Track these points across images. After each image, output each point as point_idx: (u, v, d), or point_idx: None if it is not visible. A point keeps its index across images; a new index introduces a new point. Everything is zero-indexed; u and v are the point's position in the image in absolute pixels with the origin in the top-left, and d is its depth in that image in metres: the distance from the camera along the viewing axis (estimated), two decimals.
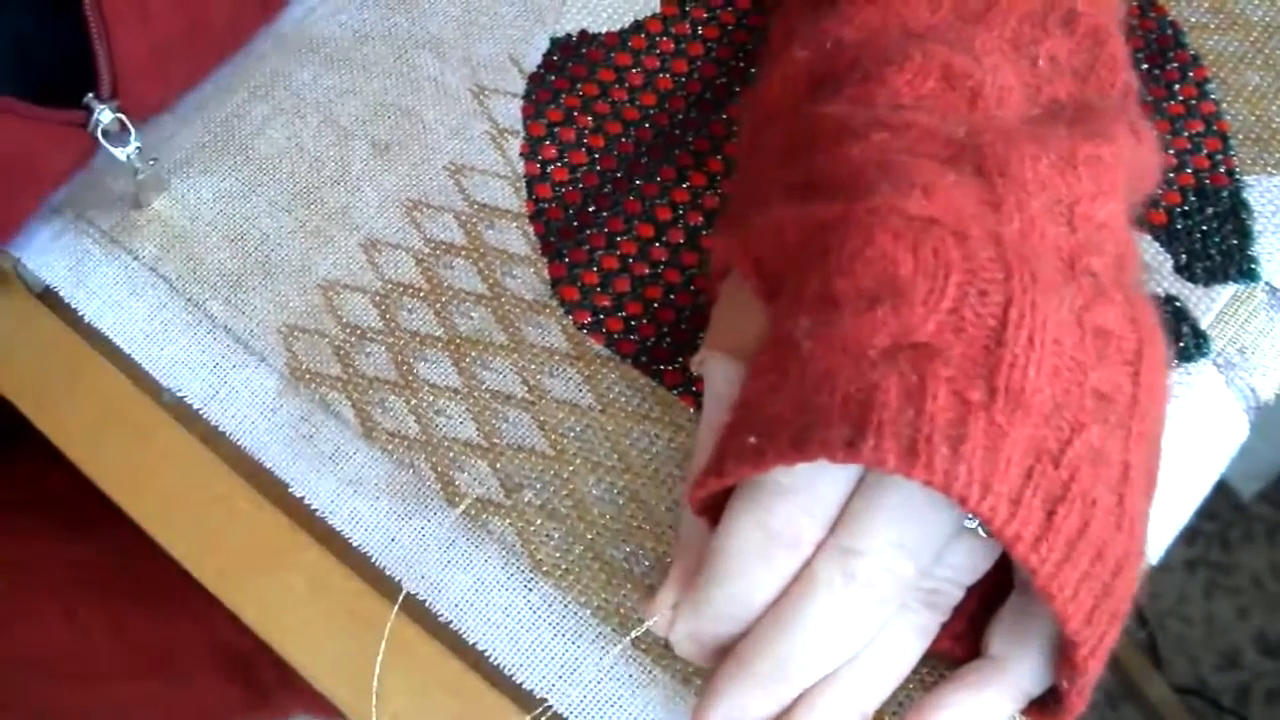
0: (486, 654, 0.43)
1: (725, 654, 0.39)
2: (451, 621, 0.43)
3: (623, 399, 0.46)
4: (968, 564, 0.38)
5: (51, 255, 0.49)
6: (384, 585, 0.44)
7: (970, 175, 0.37)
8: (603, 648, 0.42)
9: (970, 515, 0.37)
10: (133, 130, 0.47)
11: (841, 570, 0.36)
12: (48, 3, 0.46)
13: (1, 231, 0.48)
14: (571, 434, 0.45)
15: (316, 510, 0.45)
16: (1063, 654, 0.37)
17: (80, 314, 0.48)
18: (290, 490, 0.45)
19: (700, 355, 0.43)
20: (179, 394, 0.47)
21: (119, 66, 0.45)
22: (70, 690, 0.60)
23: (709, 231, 0.49)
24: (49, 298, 0.49)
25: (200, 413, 0.47)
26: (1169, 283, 0.47)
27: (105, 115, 0.46)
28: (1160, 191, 0.48)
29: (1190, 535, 1.29)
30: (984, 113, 0.40)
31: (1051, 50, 0.42)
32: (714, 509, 0.38)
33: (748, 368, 0.38)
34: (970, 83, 0.40)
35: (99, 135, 0.46)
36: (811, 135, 0.40)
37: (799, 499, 0.36)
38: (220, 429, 0.46)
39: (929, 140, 0.38)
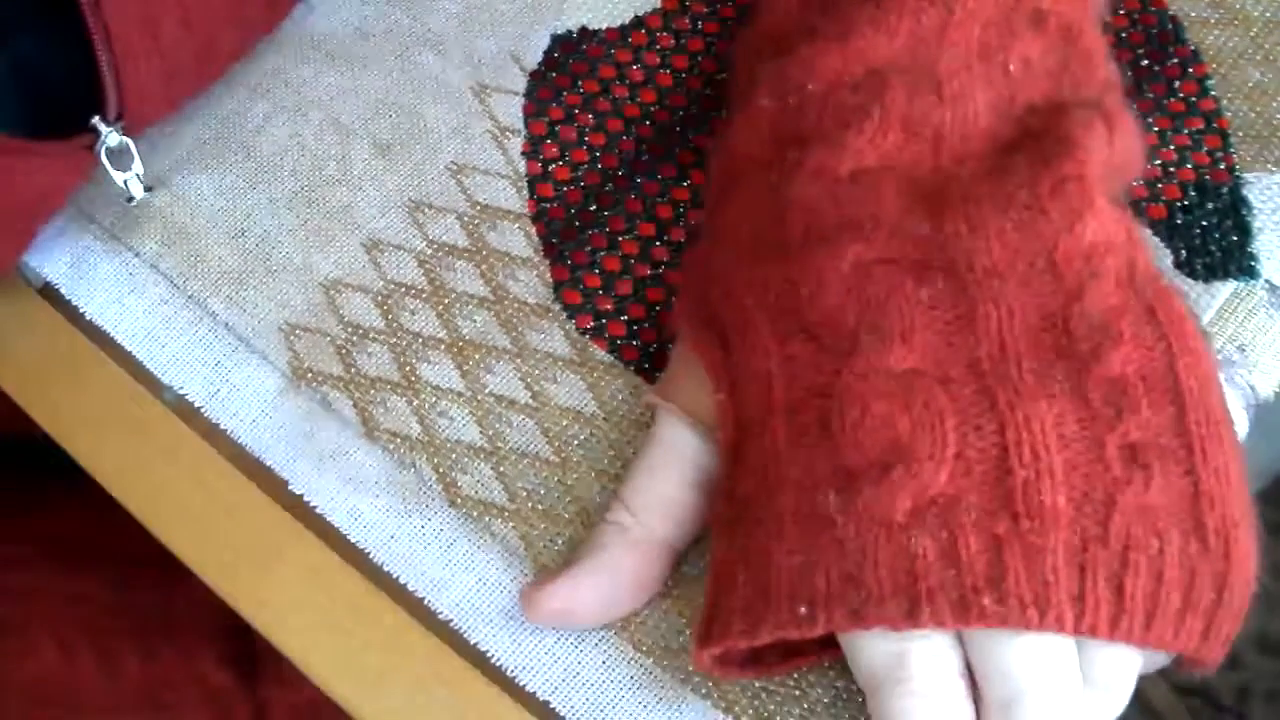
0: (488, 655, 0.43)
1: None
2: (452, 621, 0.43)
3: (625, 407, 0.46)
4: (1115, 674, 0.38)
5: (52, 251, 0.49)
6: (384, 583, 0.44)
7: (942, 282, 0.39)
8: (605, 651, 0.43)
9: None
10: (136, 155, 0.47)
11: None
12: (48, 25, 0.46)
13: (14, 253, 0.48)
14: (575, 441, 0.45)
15: (317, 508, 0.45)
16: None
17: (81, 310, 0.48)
18: (290, 488, 0.45)
19: (652, 399, 0.44)
20: (180, 391, 0.47)
21: (127, 93, 0.45)
22: None
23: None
24: (49, 293, 0.49)
25: (201, 411, 0.47)
26: (1169, 278, 0.47)
27: (112, 138, 0.46)
28: (1160, 186, 0.48)
29: None
30: (950, 155, 0.41)
31: (1023, 53, 0.42)
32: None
33: (762, 533, 0.38)
34: (931, 127, 0.41)
35: (103, 157, 0.46)
36: (783, 230, 0.41)
37: (919, 698, 0.37)
38: (221, 427, 0.46)
39: (900, 240, 0.39)
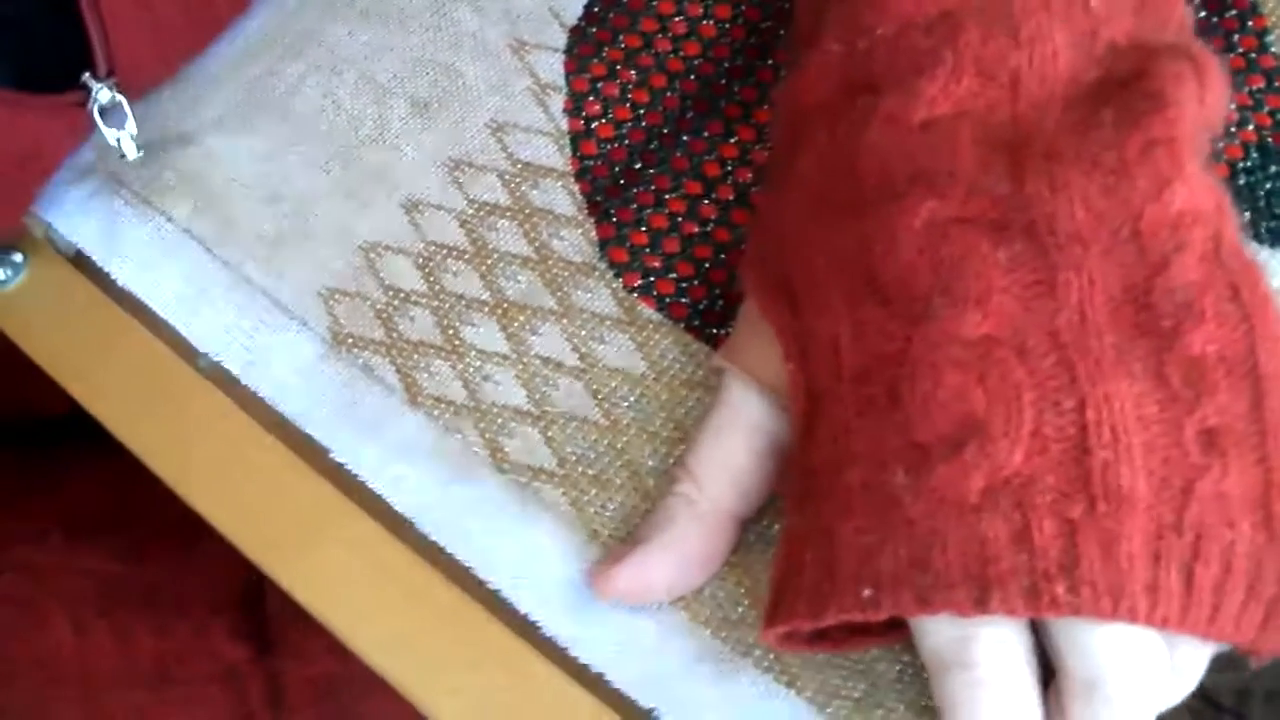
0: (539, 626, 0.42)
1: None
2: (502, 592, 0.42)
3: (676, 366, 0.45)
4: (1191, 659, 0.37)
5: (82, 218, 0.48)
6: (431, 554, 0.43)
7: (1021, 244, 0.37)
8: (661, 621, 0.41)
9: None
10: (130, 114, 0.46)
11: (1091, 709, 0.36)
12: None
13: (12, 214, 0.47)
14: (625, 403, 0.44)
15: (361, 478, 0.44)
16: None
17: (113, 277, 0.47)
18: (332, 457, 0.44)
19: (719, 361, 0.43)
20: (216, 359, 0.46)
21: (117, 49, 0.44)
22: (71, 696, 0.61)
23: (757, 189, 0.48)
24: (81, 261, 0.48)
25: (239, 379, 0.45)
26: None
27: (104, 95, 0.45)
28: (1222, 145, 0.47)
29: None
30: (1029, 100, 0.39)
31: None
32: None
33: (829, 509, 0.37)
34: (1007, 71, 0.39)
35: (96, 115, 0.45)
36: (854, 184, 0.39)
37: (985, 686, 0.36)
38: (260, 395, 0.45)
39: (977, 198, 0.38)
